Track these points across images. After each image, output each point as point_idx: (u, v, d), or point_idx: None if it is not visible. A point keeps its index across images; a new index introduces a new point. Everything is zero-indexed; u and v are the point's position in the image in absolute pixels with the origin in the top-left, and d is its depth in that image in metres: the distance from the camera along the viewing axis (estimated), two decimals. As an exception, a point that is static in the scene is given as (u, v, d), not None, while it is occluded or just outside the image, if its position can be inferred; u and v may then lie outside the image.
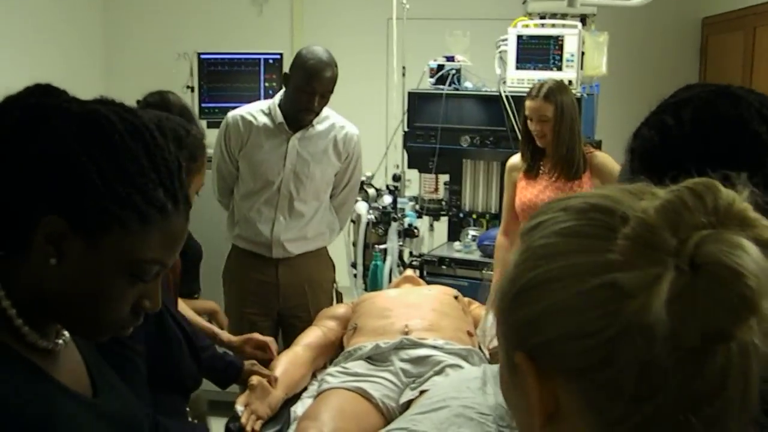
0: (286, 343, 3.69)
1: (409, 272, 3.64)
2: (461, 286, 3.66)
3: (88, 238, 1.08)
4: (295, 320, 3.57)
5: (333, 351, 3.08)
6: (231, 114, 3.59)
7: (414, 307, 2.95)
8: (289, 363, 2.85)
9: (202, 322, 2.79)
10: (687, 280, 0.65)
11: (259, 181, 3.51)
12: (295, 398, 2.80)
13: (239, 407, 2.58)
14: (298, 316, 3.55)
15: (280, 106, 3.52)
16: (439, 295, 3.12)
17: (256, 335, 2.78)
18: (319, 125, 3.55)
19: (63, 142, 1.07)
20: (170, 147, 1.19)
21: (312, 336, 3.03)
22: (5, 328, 1.10)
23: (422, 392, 2.50)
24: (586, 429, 0.71)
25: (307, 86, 3.35)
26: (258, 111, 3.55)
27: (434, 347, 2.69)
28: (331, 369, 2.70)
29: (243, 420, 2.54)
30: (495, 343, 0.87)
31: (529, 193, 3.62)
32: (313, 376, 2.96)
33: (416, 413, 2.00)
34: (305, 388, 2.87)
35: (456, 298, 3.17)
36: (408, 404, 2.52)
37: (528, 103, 3.56)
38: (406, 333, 2.77)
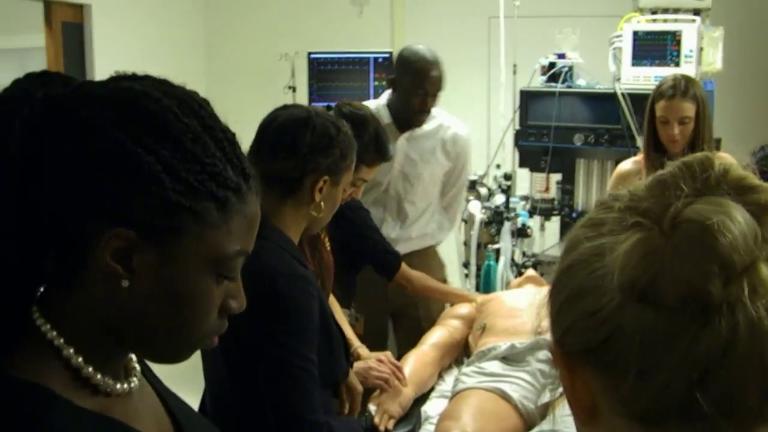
0: (398, 341, 3.70)
1: (531, 272, 3.58)
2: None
3: (162, 245, 0.90)
4: (406, 319, 3.59)
5: (459, 350, 3.06)
6: None
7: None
8: (417, 362, 2.84)
9: (345, 327, 2.80)
10: (661, 239, 0.66)
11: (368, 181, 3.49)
12: (424, 398, 2.79)
13: (372, 407, 2.58)
14: (409, 315, 3.56)
15: (388, 106, 3.50)
16: (569, 295, 3.05)
17: (386, 358, 2.71)
18: (426, 125, 3.54)
19: (105, 134, 0.88)
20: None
21: (438, 335, 3.00)
22: (57, 375, 0.90)
23: (562, 394, 2.44)
24: (622, 428, 0.69)
25: (419, 89, 3.36)
26: None
27: (571, 348, 2.63)
28: (466, 369, 2.66)
29: (377, 419, 2.54)
30: None
31: None
32: (439, 375, 2.93)
33: (568, 414, 1.95)
34: (432, 388, 2.85)
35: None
36: (547, 406, 2.47)
37: (664, 104, 3.23)
38: (540, 333, 2.71)
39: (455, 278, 4.22)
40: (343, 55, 4.70)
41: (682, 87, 3.21)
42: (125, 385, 0.97)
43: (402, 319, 3.65)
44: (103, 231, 0.87)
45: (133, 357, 1.03)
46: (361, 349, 2.75)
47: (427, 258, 3.68)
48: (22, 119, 0.89)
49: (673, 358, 0.64)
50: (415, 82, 3.36)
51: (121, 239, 0.87)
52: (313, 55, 4.70)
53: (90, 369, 0.92)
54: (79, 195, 0.87)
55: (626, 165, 3.53)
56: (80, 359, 0.91)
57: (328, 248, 2.59)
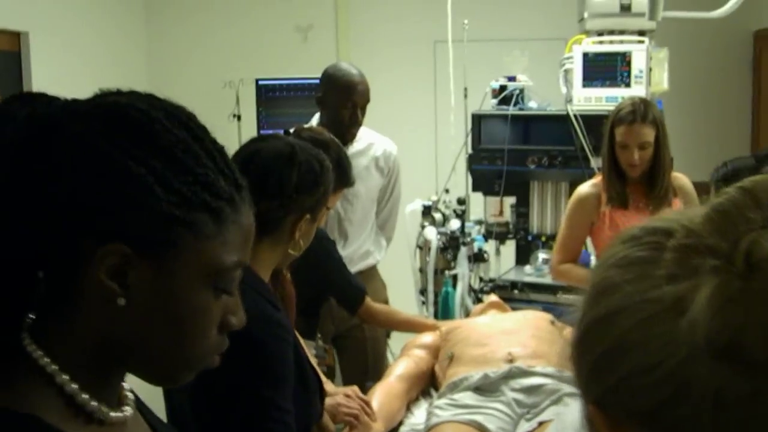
0: (342, 365, 3.63)
1: (493, 297, 3.52)
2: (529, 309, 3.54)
3: (158, 259, 0.87)
4: (349, 341, 3.58)
5: (426, 381, 2.97)
6: None
7: (513, 334, 2.83)
8: (384, 395, 2.75)
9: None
10: (740, 282, 0.56)
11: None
12: (393, 432, 2.70)
13: (342, 445, 2.48)
14: (353, 336, 3.56)
15: None
16: (536, 320, 3.00)
17: (353, 393, 2.64)
18: (357, 144, 3.64)
19: (94, 149, 0.85)
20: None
21: (404, 366, 2.91)
22: (50, 403, 0.86)
23: (541, 423, 2.39)
24: None
25: (348, 101, 3.50)
26: None
27: (545, 375, 2.57)
28: (438, 401, 2.57)
29: (347, 457, 2.44)
30: None
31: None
32: (407, 408, 2.84)
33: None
34: (401, 422, 2.76)
35: (552, 323, 3.05)
36: (525, 437, 2.40)
37: (624, 129, 3.16)
38: (511, 361, 2.65)
39: (412, 306, 4.14)
40: (292, 81, 4.61)
41: (642, 111, 3.14)
42: (119, 414, 0.93)
43: (347, 340, 3.63)
44: (96, 248, 0.84)
45: (125, 385, 0.99)
46: (328, 384, 2.65)
47: (369, 279, 3.68)
48: (6, 140, 0.87)
49: (756, 422, 0.55)
50: (343, 96, 3.50)
51: (116, 255, 0.85)
52: (261, 82, 4.60)
53: (84, 396, 0.88)
54: (70, 212, 0.85)
55: (585, 188, 3.44)
56: (74, 386, 0.87)
57: (289, 280, 2.50)
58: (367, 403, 2.59)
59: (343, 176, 2.57)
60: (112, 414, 0.91)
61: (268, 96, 4.59)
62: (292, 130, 2.63)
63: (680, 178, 3.38)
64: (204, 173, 0.89)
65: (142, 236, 0.86)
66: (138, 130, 0.88)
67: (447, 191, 4.44)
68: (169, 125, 0.89)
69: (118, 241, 0.84)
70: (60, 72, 4.97)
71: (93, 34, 5.61)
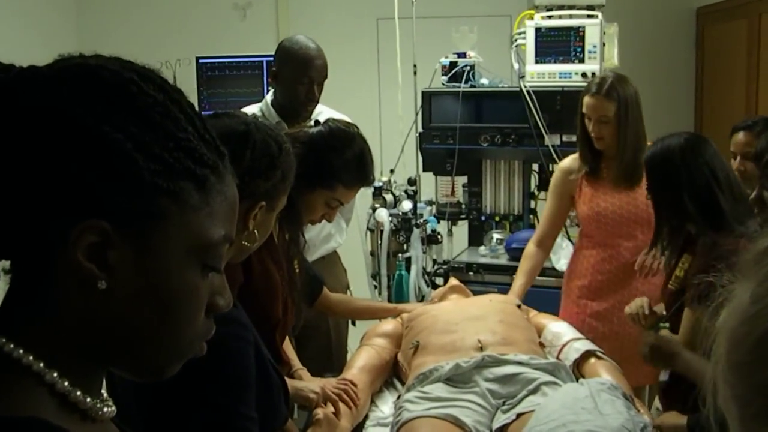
0: (304, 356, 3.48)
1: (454, 281, 3.39)
2: (491, 293, 3.43)
3: (140, 235, 0.77)
4: (311, 330, 3.35)
5: (388, 371, 2.83)
6: None
7: (480, 320, 2.70)
8: (348, 388, 2.60)
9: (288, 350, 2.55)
10: None
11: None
12: (359, 428, 2.55)
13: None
14: (316, 326, 3.34)
15: (273, 105, 3.39)
16: (502, 305, 2.88)
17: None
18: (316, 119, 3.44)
19: (63, 114, 0.75)
20: None
21: (366, 357, 2.76)
22: (46, 404, 0.78)
23: (519, 415, 2.27)
24: None
25: (304, 77, 3.27)
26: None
27: (519, 363, 2.45)
28: (408, 394, 2.43)
29: (312, 456, 2.29)
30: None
31: (604, 201, 3.23)
32: (371, 401, 2.70)
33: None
34: (366, 416, 2.62)
35: (519, 307, 2.94)
36: (503, 429, 2.28)
37: (587, 100, 3.16)
38: (481, 349, 2.53)
39: (364, 291, 4.01)
40: (234, 60, 4.41)
41: (606, 86, 3.13)
42: (109, 409, 0.85)
43: (309, 330, 3.43)
44: (70, 227, 0.75)
45: None
46: (302, 371, 2.52)
47: (331, 265, 3.55)
48: None
49: None
50: (299, 71, 3.27)
51: (94, 233, 0.75)
52: (202, 60, 4.39)
53: (77, 393, 0.80)
54: (39, 188, 0.75)
55: (567, 161, 3.42)
56: (66, 383, 0.79)
57: (296, 269, 2.36)
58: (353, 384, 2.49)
59: (362, 173, 2.42)
60: (105, 409, 0.84)
61: (209, 75, 4.38)
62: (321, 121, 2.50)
63: None
64: (186, 138, 0.81)
65: (122, 210, 0.76)
66: (111, 93, 0.78)
67: (392, 171, 4.30)
68: (144, 87, 0.80)
69: (95, 216, 0.75)
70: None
71: (19, 9, 5.33)
